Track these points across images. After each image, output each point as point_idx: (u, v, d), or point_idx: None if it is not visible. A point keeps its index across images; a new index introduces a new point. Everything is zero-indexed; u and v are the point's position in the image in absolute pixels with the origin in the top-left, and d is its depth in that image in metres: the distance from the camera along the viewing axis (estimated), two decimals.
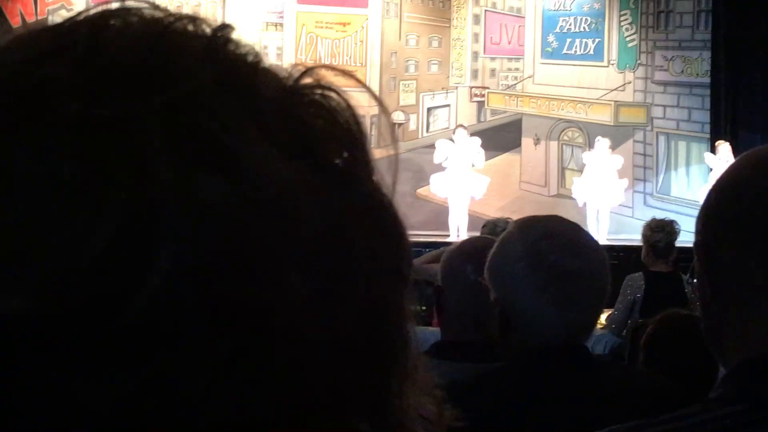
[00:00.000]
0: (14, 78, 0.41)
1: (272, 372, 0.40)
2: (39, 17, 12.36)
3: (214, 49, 0.44)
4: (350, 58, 13.70)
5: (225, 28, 0.45)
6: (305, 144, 0.43)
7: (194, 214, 0.39)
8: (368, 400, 0.43)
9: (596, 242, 1.90)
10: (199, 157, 0.40)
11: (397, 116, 13.81)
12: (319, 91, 0.46)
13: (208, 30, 0.45)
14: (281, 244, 0.40)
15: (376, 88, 13.74)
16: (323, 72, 0.47)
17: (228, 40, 0.45)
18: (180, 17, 0.45)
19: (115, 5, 0.45)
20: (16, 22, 12.28)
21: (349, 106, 0.46)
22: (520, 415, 1.73)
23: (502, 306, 1.83)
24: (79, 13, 0.45)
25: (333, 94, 0.46)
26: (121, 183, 0.38)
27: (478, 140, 12.23)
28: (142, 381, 0.38)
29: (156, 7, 0.45)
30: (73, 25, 0.45)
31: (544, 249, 1.78)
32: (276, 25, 13.40)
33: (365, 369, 0.43)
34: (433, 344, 2.43)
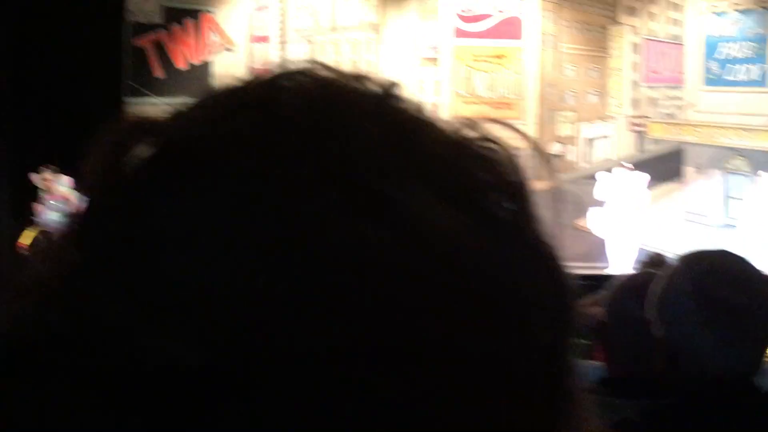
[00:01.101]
0: (199, 133, 0.44)
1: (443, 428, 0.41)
2: (201, 59, 12.73)
3: (382, 108, 0.46)
4: (506, 90, 13.68)
5: (392, 86, 0.48)
6: (471, 196, 0.44)
7: (363, 268, 0.40)
8: (529, 425, 0.44)
9: (764, 275, 1.86)
10: (368, 212, 0.41)
11: (554, 148, 13.70)
12: (482, 144, 0.47)
13: (376, 88, 0.47)
14: (450, 298, 0.41)
15: (533, 121, 13.67)
16: (485, 125, 0.48)
17: (395, 98, 0.47)
18: (350, 77, 0.47)
19: (288, 67, 0.48)
20: (181, 64, 12.70)
21: (512, 159, 0.48)
22: None
23: (668, 342, 1.81)
24: (253, 77, 0.48)
25: (496, 147, 0.47)
26: (277, 237, 0.40)
27: (645, 177, 12.03)
28: None
29: (327, 67, 0.48)
30: (247, 87, 0.48)
31: (711, 284, 1.75)
32: (432, 60, 13.48)
33: (531, 422, 0.44)
34: (599, 380, 2.41)
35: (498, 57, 13.70)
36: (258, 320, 0.40)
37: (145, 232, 0.42)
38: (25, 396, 0.40)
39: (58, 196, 10.64)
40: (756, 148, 13.47)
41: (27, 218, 10.68)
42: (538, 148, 0.51)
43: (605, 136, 13.87)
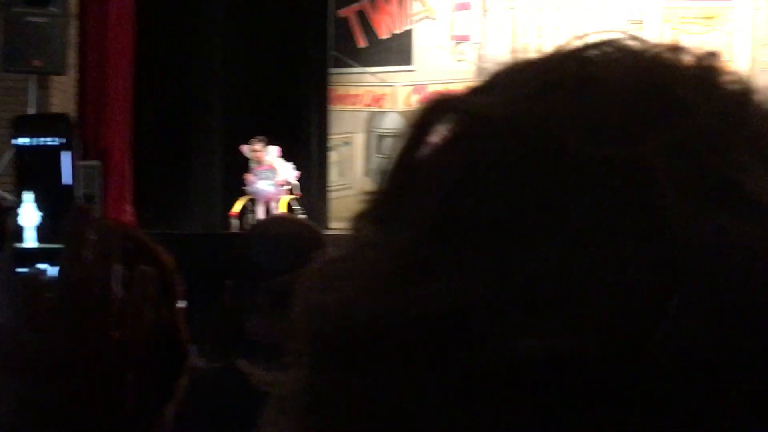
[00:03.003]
0: (507, 118, 0.41)
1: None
2: (403, 28, 12.81)
3: (707, 81, 0.42)
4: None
5: (711, 56, 0.44)
6: None
7: (710, 253, 0.37)
8: None
9: None
10: (709, 197, 0.38)
11: None
12: (723, 77, 0.43)
13: (692, 59, 0.43)
14: None
15: None
16: None
17: (717, 70, 0.43)
18: (662, 47, 0.44)
19: (592, 37, 0.44)
20: (383, 34, 12.81)
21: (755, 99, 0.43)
22: None
23: None
24: (558, 48, 0.45)
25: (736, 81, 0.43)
26: (633, 221, 0.38)
27: None
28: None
29: (633, 37, 0.44)
30: (552, 60, 0.44)
31: None
32: (639, 22, 13.16)
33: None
34: None
35: (707, 18, 13.26)
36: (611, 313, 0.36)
37: (491, 217, 0.39)
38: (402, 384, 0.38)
39: (267, 165, 10.93)
40: None
41: (238, 188, 11.04)
42: None
43: None
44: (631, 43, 0.44)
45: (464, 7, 12.90)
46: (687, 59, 0.43)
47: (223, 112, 11.83)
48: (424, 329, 0.37)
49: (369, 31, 12.86)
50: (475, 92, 0.44)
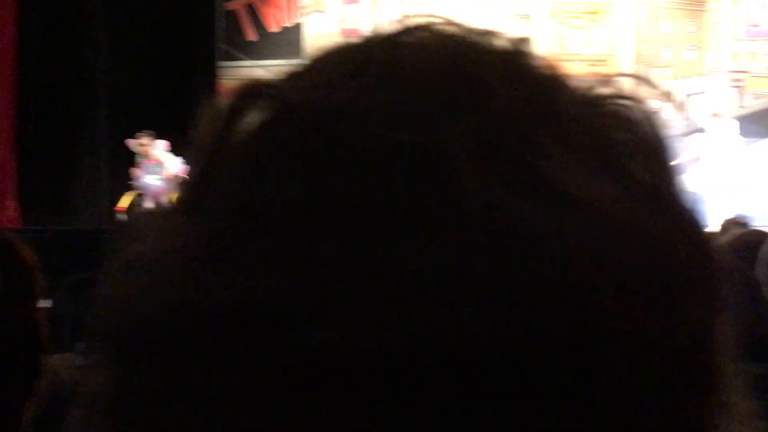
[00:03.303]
0: (309, 105, 0.40)
1: (590, 412, 0.37)
2: (292, 21, 12.77)
3: (514, 65, 0.42)
4: (601, 47, 13.47)
5: (522, 41, 0.43)
6: (610, 160, 0.40)
7: (507, 239, 0.37)
8: (681, 424, 0.40)
9: None
10: (509, 184, 0.37)
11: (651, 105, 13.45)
12: (618, 102, 0.43)
13: (505, 44, 0.43)
14: (603, 270, 0.37)
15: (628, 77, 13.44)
16: (621, 80, 0.44)
17: (527, 55, 0.43)
18: (475, 31, 0.43)
19: (408, 22, 0.44)
20: (273, 27, 12.75)
21: (650, 116, 0.43)
22: None
23: None
24: (371, 33, 0.44)
25: (632, 104, 0.43)
26: (429, 209, 0.37)
27: (735, 124, 11.81)
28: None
29: (449, 22, 0.44)
30: (365, 45, 0.43)
31: None
32: (526, 17, 13.33)
33: (683, 405, 0.40)
34: None
35: (592, 13, 13.48)
36: (432, 304, 0.36)
37: (288, 207, 0.38)
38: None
39: (154, 160, 10.79)
40: None
41: (125, 183, 10.87)
42: (672, 101, 0.46)
43: (703, 92, 13.59)
44: (446, 27, 0.43)
45: (354, 1, 12.91)
46: (499, 43, 0.43)
47: (110, 105, 11.64)
48: (221, 321, 0.36)
49: (258, 24, 12.79)
50: (287, 78, 0.43)
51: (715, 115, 12.17)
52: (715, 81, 13.58)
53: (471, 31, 0.43)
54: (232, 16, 12.75)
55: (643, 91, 0.44)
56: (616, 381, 0.37)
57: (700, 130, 12.00)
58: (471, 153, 0.38)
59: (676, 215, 0.41)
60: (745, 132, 11.97)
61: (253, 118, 0.41)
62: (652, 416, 0.38)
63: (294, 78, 0.43)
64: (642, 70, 13.38)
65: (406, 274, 0.36)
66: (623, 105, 0.43)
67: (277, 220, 0.38)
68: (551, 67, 0.43)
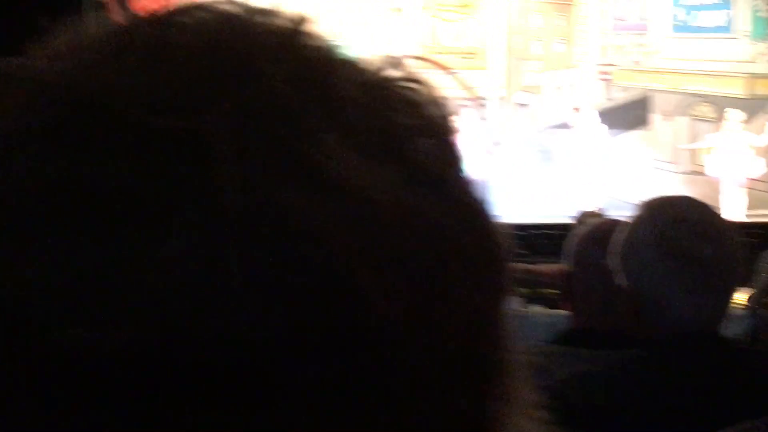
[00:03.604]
0: (66, 87, 0.38)
1: (359, 400, 0.37)
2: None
3: (289, 46, 0.40)
4: (472, 40, 13.61)
5: (303, 21, 0.41)
6: (391, 145, 0.39)
7: (268, 228, 0.35)
8: (461, 426, 0.39)
9: (728, 225, 1.83)
10: (273, 167, 0.36)
11: (521, 98, 13.67)
12: (405, 85, 0.42)
13: (284, 24, 0.41)
14: (368, 259, 0.37)
15: (500, 70, 13.62)
16: (411, 63, 0.43)
17: (304, 34, 0.41)
18: (256, 11, 0.41)
19: (188, 1, 0.42)
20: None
21: (438, 100, 0.42)
22: (654, 404, 1.68)
23: (632, 292, 1.78)
24: (147, 12, 0.42)
25: (421, 87, 0.42)
26: (187, 198, 0.35)
27: (595, 114, 12.05)
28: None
29: (232, 1, 0.42)
30: (134, 24, 0.41)
31: (675, 235, 1.72)
32: (398, 10, 13.37)
33: (459, 393, 0.39)
34: (565, 331, 2.39)
35: (464, 6, 13.60)
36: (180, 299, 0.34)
37: (32, 194, 0.36)
38: None
39: None
40: (721, 94, 13.49)
41: None
42: (464, 86, 0.46)
43: (572, 85, 13.84)
44: (224, 6, 0.41)
45: None
46: (278, 23, 0.41)
47: None
48: None
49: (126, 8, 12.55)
50: (46, 58, 0.40)
51: (582, 107, 12.41)
52: (583, 74, 13.85)
53: (251, 10, 0.41)
54: (101, 8, 12.50)
55: (433, 75, 0.43)
56: (388, 370, 0.37)
57: (567, 123, 12.24)
58: (233, 139, 0.36)
59: (459, 203, 0.41)
60: (612, 124, 12.23)
61: (6, 101, 0.38)
62: (429, 405, 0.38)
63: (54, 58, 0.40)
64: (513, 63, 13.58)
65: (161, 268, 0.34)
66: (411, 89, 0.42)
67: (26, 210, 0.36)
68: (333, 48, 0.42)
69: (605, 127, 12.05)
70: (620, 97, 13.80)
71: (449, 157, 0.42)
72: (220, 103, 0.37)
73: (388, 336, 0.37)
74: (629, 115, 13.52)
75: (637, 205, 1.88)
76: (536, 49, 13.89)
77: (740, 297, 6.87)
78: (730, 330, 6.52)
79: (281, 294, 0.35)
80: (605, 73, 13.88)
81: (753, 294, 6.34)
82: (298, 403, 0.35)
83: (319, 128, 0.38)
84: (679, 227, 1.73)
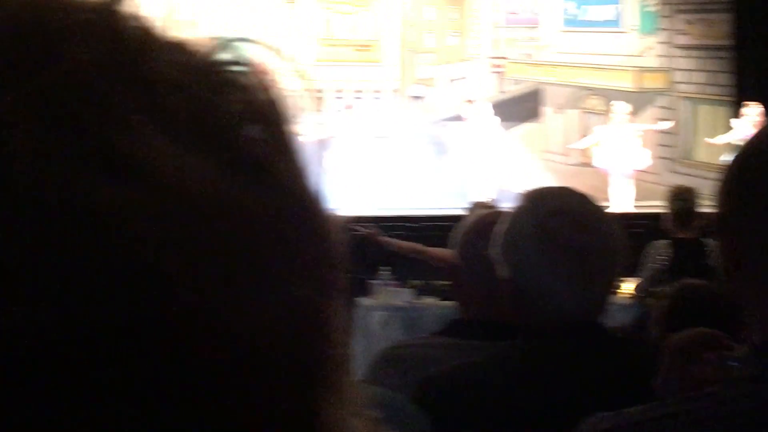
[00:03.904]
0: None
1: (168, 397, 0.35)
2: None
3: (102, 25, 0.38)
4: (366, 32, 13.63)
5: (120, 1, 0.39)
6: (211, 130, 0.37)
7: (70, 221, 0.33)
8: (287, 426, 0.38)
9: (608, 215, 1.85)
10: (73, 153, 0.34)
11: (415, 90, 13.73)
12: (234, 68, 0.40)
13: (99, 3, 0.39)
14: (175, 248, 0.35)
15: (394, 62, 13.66)
16: (242, 45, 0.41)
17: (120, 13, 0.38)
18: None
19: None
20: None
21: (270, 85, 0.40)
22: (532, 394, 1.69)
23: (513, 283, 1.78)
24: None
25: (251, 71, 0.40)
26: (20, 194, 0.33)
27: (489, 106, 12.19)
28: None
29: None
30: None
31: (554, 225, 1.73)
32: (291, 1, 13.31)
33: (284, 390, 0.37)
34: (451, 322, 2.40)
35: None
36: None
37: None
38: None
39: None
40: (612, 88, 13.75)
41: None
42: (299, 71, 0.44)
43: (465, 78, 13.95)
44: None
45: None
46: (93, 2, 0.38)
47: None
48: None
49: None
50: None
51: (475, 100, 12.52)
52: (476, 67, 13.97)
53: None
54: None
55: (266, 59, 0.41)
56: (202, 366, 0.35)
57: (460, 115, 12.34)
58: (30, 121, 0.34)
59: (287, 193, 0.39)
60: (505, 116, 12.37)
61: None
62: (249, 404, 0.36)
63: None
64: (407, 56, 13.63)
65: None
66: (241, 72, 0.40)
67: None
68: (151, 29, 0.39)
69: (498, 119, 12.17)
70: (512, 90, 13.96)
71: (279, 146, 0.40)
72: (20, 84, 0.35)
73: (199, 327, 0.35)
74: (521, 107, 13.69)
75: (518, 196, 1.89)
76: (430, 42, 13.97)
77: (627, 287, 7.03)
78: (617, 319, 6.66)
79: (79, 283, 0.33)
80: (498, 66, 14.03)
81: (640, 284, 6.49)
82: (104, 395, 0.34)
83: (127, 112, 0.35)
84: (558, 218, 1.74)
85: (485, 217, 2.40)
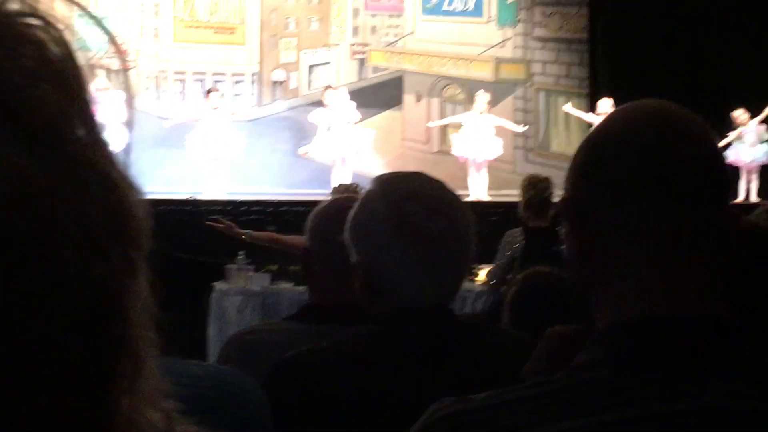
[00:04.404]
0: None
1: None
2: None
3: None
4: (229, 15, 13.46)
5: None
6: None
7: None
8: (79, 412, 0.34)
9: (461, 201, 1.83)
10: None
11: (277, 75, 13.64)
12: (26, 21, 0.36)
13: None
14: None
15: (256, 46, 13.53)
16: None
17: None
18: None
19: None
20: None
21: (65, 39, 0.36)
22: (381, 380, 1.67)
23: (364, 268, 1.76)
24: None
25: (45, 25, 0.36)
26: None
27: (344, 91, 12.19)
28: None
29: None
30: None
31: (407, 210, 1.71)
32: None
33: (77, 373, 0.34)
34: (303, 308, 2.36)
35: None
36: None
37: None
38: None
39: None
40: (472, 78, 13.91)
41: None
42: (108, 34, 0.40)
43: (327, 63, 13.92)
44: None
45: None
46: None
47: None
48: None
49: None
50: None
51: (335, 86, 12.49)
52: (338, 53, 13.96)
53: None
54: None
55: (62, 12, 0.37)
56: None
57: (321, 101, 12.30)
58: None
59: (82, 166, 0.35)
60: (366, 103, 12.38)
61: None
62: (35, 396, 0.32)
63: None
64: (269, 40, 13.52)
65: None
66: (35, 26, 0.36)
67: None
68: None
69: (357, 105, 12.19)
70: (374, 77, 13.99)
71: (76, 111, 0.36)
72: None
73: None
74: (382, 95, 13.73)
75: (370, 181, 1.86)
76: (292, 27, 13.89)
77: (482, 274, 7.11)
78: (472, 306, 6.73)
79: None
80: (359, 52, 14.04)
81: (493, 270, 6.58)
82: None
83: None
84: (411, 202, 1.72)
85: (339, 201, 2.37)
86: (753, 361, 1.03)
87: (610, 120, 1.16)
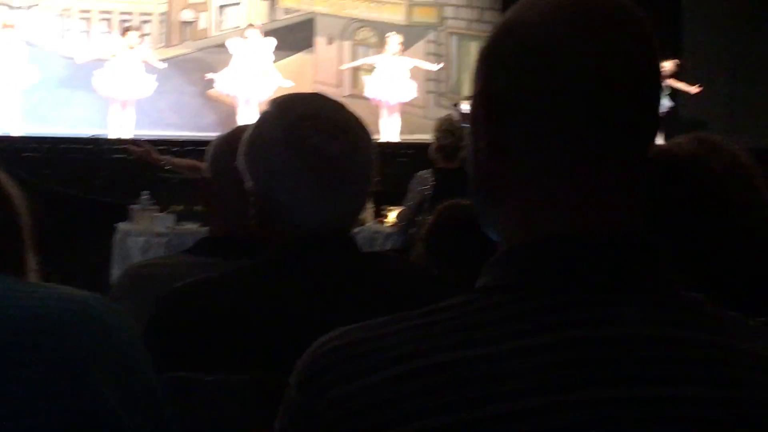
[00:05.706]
0: None
1: None
2: None
3: None
4: None
5: None
6: None
7: None
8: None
9: (361, 123, 1.73)
10: None
11: (186, 15, 13.35)
12: None
13: None
14: None
15: None
16: None
17: None
18: None
19: None
20: None
21: None
22: (274, 309, 1.58)
23: (259, 194, 1.66)
24: None
25: None
26: None
27: (273, 41, 12.00)
28: None
29: None
30: None
31: (304, 131, 1.61)
32: None
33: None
34: (200, 241, 2.27)
35: None
36: None
37: None
38: None
39: None
40: (384, 21, 13.77)
41: None
42: None
43: (237, 4, 13.66)
44: None
45: None
46: None
47: None
48: None
49: None
50: None
51: (246, 27, 12.27)
52: None
53: None
54: None
55: None
56: None
57: (235, 40, 12.08)
58: None
59: None
60: (277, 45, 12.19)
61: None
62: None
63: None
64: None
65: None
66: None
67: None
68: None
69: (271, 42, 11.99)
70: (284, 18, 13.77)
71: None
72: None
73: None
74: (293, 37, 13.53)
75: (266, 102, 1.76)
76: None
77: (392, 215, 7.05)
78: (381, 247, 6.66)
79: None
80: None
81: (403, 212, 6.54)
82: None
83: None
84: (308, 122, 1.62)
85: (240, 129, 2.27)
86: (670, 284, 0.96)
87: (519, 5, 1.03)
